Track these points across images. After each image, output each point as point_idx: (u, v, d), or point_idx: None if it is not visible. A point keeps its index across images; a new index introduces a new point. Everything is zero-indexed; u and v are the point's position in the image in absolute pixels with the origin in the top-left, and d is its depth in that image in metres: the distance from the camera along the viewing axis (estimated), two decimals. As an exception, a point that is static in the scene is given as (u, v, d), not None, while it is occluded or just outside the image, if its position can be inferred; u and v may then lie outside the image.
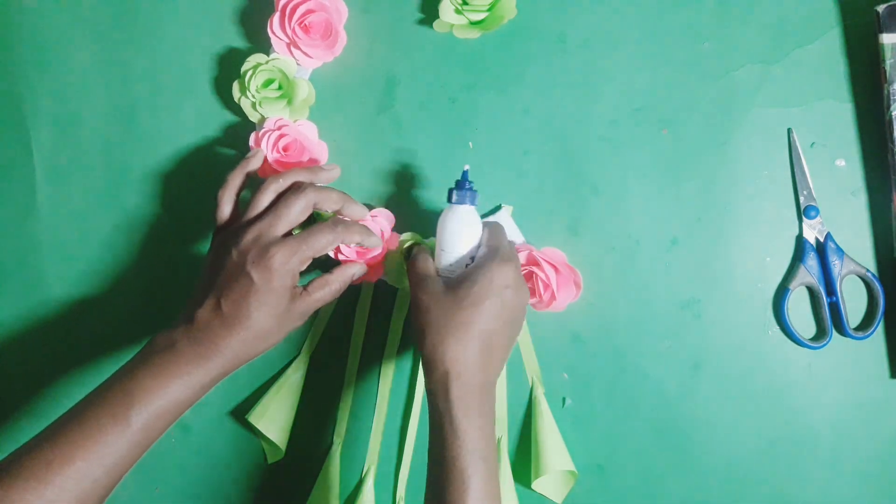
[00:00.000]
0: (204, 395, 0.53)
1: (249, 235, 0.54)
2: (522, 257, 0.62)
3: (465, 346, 0.52)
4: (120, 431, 0.49)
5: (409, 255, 0.62)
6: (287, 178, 0.57)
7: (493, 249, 0.56)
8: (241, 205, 0.59)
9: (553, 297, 0.61)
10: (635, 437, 0.65)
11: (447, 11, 0.62)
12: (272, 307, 0.53)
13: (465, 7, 0.62)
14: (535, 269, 0.61)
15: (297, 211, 0.55)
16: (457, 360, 0.52)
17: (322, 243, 0.55)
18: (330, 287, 0.57)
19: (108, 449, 0.49)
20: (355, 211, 0.59)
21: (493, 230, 0.58)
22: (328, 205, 0.57)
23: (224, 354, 0.53)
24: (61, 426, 0.50)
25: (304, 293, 0.56)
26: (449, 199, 0.58)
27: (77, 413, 0.50)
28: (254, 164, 0.60)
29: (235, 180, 0.59)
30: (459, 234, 0.57)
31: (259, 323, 0.53)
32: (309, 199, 0.56)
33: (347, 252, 0.61)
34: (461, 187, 0.58)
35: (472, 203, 0.58)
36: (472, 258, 0.57)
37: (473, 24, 0.63)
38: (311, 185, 0.57)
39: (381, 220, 0.62)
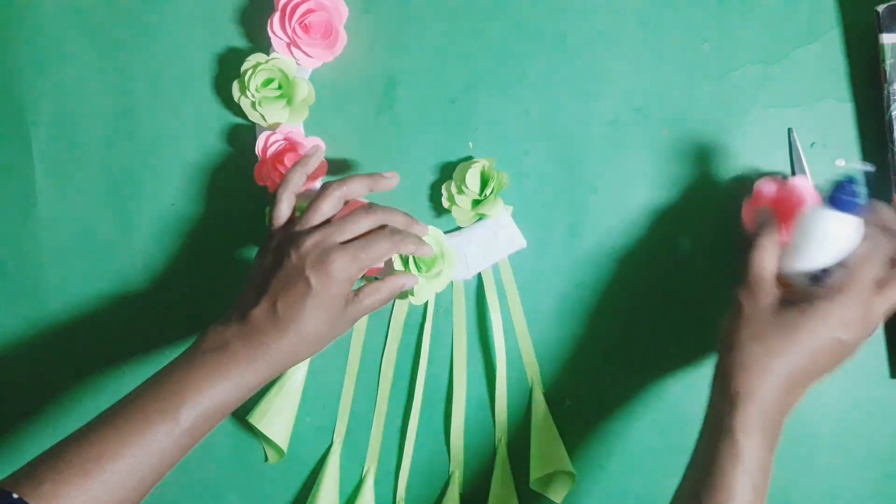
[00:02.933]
0: (250, 396, 0.53)
1: (310, 240, 0.53)
2: (773, 188, 0.57)
3: (771, 379, 0.49)
4: (168, 430, 0.49)
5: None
6: (350, 186, 0.57)
7: (852, 278, 0.49)
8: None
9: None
10: (635, 437, 0.64)
11: (445, 200, 0.64)
12: (327, 313, 0.53)
13: (459, 196, 0.63)
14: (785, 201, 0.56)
15: (364, 229, 0.55)
16: (755, 390, 0.49)
17: (380, 252, 0.55)
18: (380, 295, 0.56)
19: (154, 447, 0.48)
20: (420, 230, 0.59)
21: (870, 248, 0.50)
22: (406, 250, 0.57)
23: (274, 357, 0.52)
24: (107, 421, 0.49)
25: (356, 299, 0.55)
26: (833, 202, 0.49)
27: (126, 407, 0.50)
28: (313, 163, 0.60)
29: (295, 180, 0.58)
30: (831, 245, 0.50)
31: (312, 328, 0.53)
32: (377, 219, 0.56)
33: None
34: (850, 192, 0.49)
35: (859, 214, 0.50)
36: (825, 271, 0.50)
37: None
38: (381, 207, 0.57)
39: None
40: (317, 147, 0.61)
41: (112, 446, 0.47)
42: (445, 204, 0.63)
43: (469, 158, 0.65)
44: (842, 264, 0.49)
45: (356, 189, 0.57)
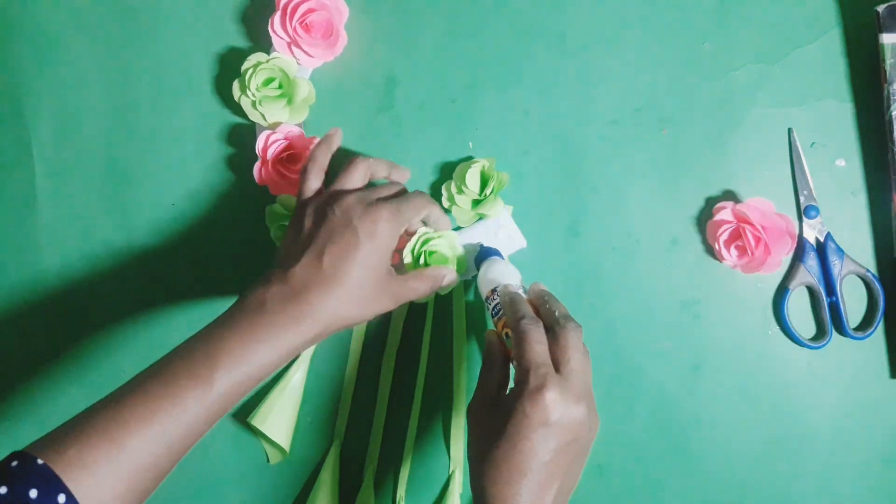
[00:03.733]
0: (290, 360, 0.50)
1: (353, 197, 0.54)
2: (726, 214, 0.61)
3: (500, 487, 0.47)
4: (200, 395, 0.47)
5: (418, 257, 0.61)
6: (376, 164, 0.58)
7: (522, 374, 0.48)
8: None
9: (767, 251, 0.60)
10: (635, 437, 0.64)
11: (445, 200, 0.64)
12: (371, 267, 0.52)
13: (459, 195, 0.63)
14: (743, 225, 0.60)
15: (413, 206, 0.56)
16: (493, 499, 0.47)
17: (419, 207, 0.56)
18: (424, 282, 0.57)
19: (186, 412, 0.46)
20: (447, 224, 0.60)
21: (518, 334, 0.50)
22: (435, 214, 0.58)
23: (317, 315, 0.50)
24: (137, 385, 0.47)
25: (402, 278, 0.55)
26: (480, 257, 0.61)
27: (157, 371, 0.48)
28: (336, 142, 0.60)
29: (322, 156, 0.58)
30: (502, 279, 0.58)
31: (358, 282, 0.51)
32: (426, 204, 0.57)
33: None
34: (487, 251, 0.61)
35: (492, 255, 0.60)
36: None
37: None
38: (428, 195, 0.59)
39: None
40: (337, 129, 0.61)
41: (140, 411, 0.45)
42: (445, 204, 0.63)
43: (469, 158, 0.65)
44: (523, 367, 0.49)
45: (380, 168, 0.59)
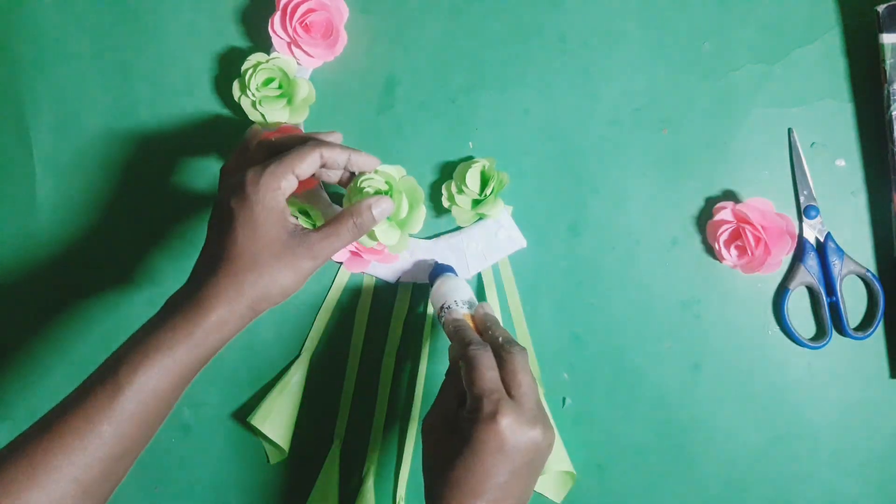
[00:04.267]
0: (210, 352, 0.48)
1: (236, 174, 0.51)
2: (726, 214, 0.61)
3: None
4: (108, 396, 0.45)
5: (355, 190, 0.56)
6: (333, 154, 0.53)
7: (473, 402, 0.48)
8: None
9: (767, 251, 0.60)
10: (635, 437, 0.64)
11: (445, 200, 0.64)
12: (259, 235, 0.49)
13: (459, 195, 0.63)
14: (743, 225, 0.60)
15: (289, 158, 0.51)
16: None
17: (300, 155, 0.50)
18: (344, 223, 0.51)
19: (96, 420, 0.45)
20: (365, 160, 0.55)
21: (467, 362, 0.50)
22: (333, 155, 0.53)
23: (218, 299, 0.48)
24: (53, 411, 0.46)
25: (316, 231, 0.51)
26: (434, 275, 0.62)
27: (70, 396, 0.47)
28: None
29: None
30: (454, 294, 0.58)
31: (249, 256, 0.48)
32: (309, 151, 0.51)
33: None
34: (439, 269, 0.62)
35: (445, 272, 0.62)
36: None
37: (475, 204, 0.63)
38: (323, 141, 0.53)
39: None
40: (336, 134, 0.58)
41: (57, 430, 0.45)
42: (445, 204, 0.63)
43: (469, 158, 0.65)
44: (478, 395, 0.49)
45: (336, 155, 0.53)
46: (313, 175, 0.53)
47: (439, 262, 0.64)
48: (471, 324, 0.56)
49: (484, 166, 0.62)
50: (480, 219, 0.64)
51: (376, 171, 0.55)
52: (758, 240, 0.60)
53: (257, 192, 0.49)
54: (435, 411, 0.52)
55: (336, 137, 0.57)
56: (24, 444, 0.45)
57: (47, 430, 0.45)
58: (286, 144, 0.54)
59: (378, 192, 0.55)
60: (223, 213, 0.50)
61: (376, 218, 0.53)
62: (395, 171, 0.57)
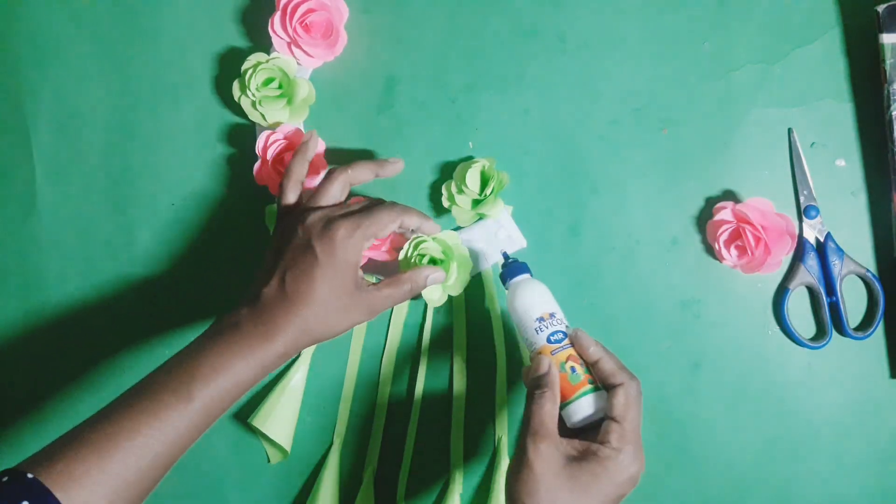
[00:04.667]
0: (266, 375, 0.53)
1: (316, 215, 0.55)
2: (726, 214, 0.61)
3: None
4: (182, 408, 0.49)
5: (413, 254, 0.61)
6: (357, 171, 0.58)
7: (625, 434, 0.50)
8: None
9: (767, 251, 0.60)
10: (635, 437, 0.64)
11: (445, 200, 0.64)
12: (335, 284, 0.53)
13: (459, 195, 0.63)
14: (743, 225, 0.60)
15: (377, 221, 0.55)
16: None
17: (384, 220, 0.55)
18: (401, 286, 0.57)
19: (168, 426, 0.48)
20: (432, 227, 0.59)
21: (633, 396, 0.51)
22: (410, 223, 0.57)
23: (286, 333, 0.52)
24: (122, 402, 0.49)
25: (374, 287, 0.55)
26: (504, 282, 0.58)
27: (139, 390, 0.50)
28: (311, 148, 0.60)
29: (297, 168, 0.59)
30: (524, 306, 0.56)
31: (321, 299, 0.53)
32: (394, 217, 0.56)
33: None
34: (507, 265, 0.58)
35: (523, 272, 0.58)
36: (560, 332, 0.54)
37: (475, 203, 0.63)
38: (400, 205, 0.57)
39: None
40: (311, 133, 0.61)
41: (126, 426, 0.48)
42: (445, 204, 0.63)
43: (469, 158, 0.65)
44: (611, 417, 0.50)
45: (361, 174, 0.58)
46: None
47: (508, 253, 0.61)
48: (571, 352, 0.54)
49: (484, 166, 0.62)
50: (480, 219, 0.64)
51: (434, 238, 0.60)
52: (758, 240, 0.60)
53: (346, 249, 0.53)
54: (542, 433, 0.50)
55: (400, 166, 0.61)
56: (88, 433, 0.48)
57: (113, 424, 0.48)
58: (372, 204, 0.57)
59: (433, 261, 0.60)
60: (305, 252, 0.53)
61: (429, 285, 0.58)
62: (450, 238, 0.61)
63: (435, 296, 0.62)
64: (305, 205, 0.57)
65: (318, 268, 0.53)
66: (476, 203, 0.63)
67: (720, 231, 0.61)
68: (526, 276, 0.58)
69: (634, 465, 0.50)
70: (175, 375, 0.50)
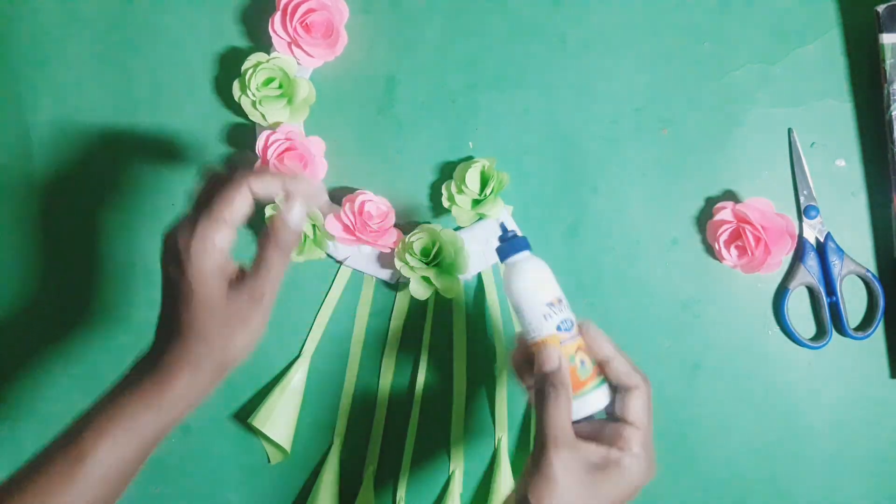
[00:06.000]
0: (172, 425, 0.46)
1: (170, 236, 0.46)
2: (726, 214, 0.61)
3: None
4: (73, 473, 0.43)
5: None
6: (264, 184, 0.46)
7: (647, 440, 0.48)
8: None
9: (767, 251, 0.60)
10: (635, 437, 0.64)
11: (445, 200, 0.63)
12: (200, 302, 0.45)
13: (459, 195, 0.63)
14: (743, 225, 0.60)
15: (218, 204, 0.45)
16: None
17: (227, 198, 0.45)
18: (273, 251, 0.46)
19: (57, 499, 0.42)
20: (304, 187, 0.47)
21: (645, 394, 0.49)
22: (264, 188, 0.46)
23: (185, 368, 0.45)
24: (11, 483, 0.43)
25: (250, 275, 0.46)
26: (502, 258, 0.50)
27: (28, 467, 0.44)
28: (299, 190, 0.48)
29: (235, 201, 0.46)
30: (533, 287, 0.49)
31: (195, 324, 0.45)
32: (237, 188, 0.45)
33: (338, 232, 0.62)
34: (507, 239, 0.50)
35: (527, 247, 0.50)
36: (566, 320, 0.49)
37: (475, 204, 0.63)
38: (247, 171, 0.46)
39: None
40: (316, 183, 0.54)
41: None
42: (445, 204, 0.63)
43: (469, 158, 0.65)
44: (629, 421, 0.48)
45: (269, 186, 0.46)
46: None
47: (506, 225, 0.52)
48: (580, 343, 0.50)
49: (484, 166, 0.62)
50: (480, 219, 0.64)
51: (422, 229, 0.60)
52: (758, 240, 0.60)
53: (190, 259, 0.44)
54: (561, 436, 0.46)
55: (314, 187, 0.48)
56: None
57: (6, 499, 0.43)
58: (213, 189, 0.47)
59: (426, 248, 0.60)
60: (165, 281, 0.47)
61: (295, 227, 0.47)
62: (434, 228, 0.62)
63: (447, 283, 0.62)
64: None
65: (176, 291, 0.45)
66: (476, 203, 0.63)
67: (720, 231, 0.61)
68: (527, 253, 0.50)
69: (652, 471, 0.47)
70: (65, 431, 0.44)
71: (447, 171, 0.65)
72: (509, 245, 0.50)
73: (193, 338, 0.45)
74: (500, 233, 0.51)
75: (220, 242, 0.45)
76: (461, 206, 0.63)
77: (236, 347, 0.46)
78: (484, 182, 0.62)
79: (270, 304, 0.47)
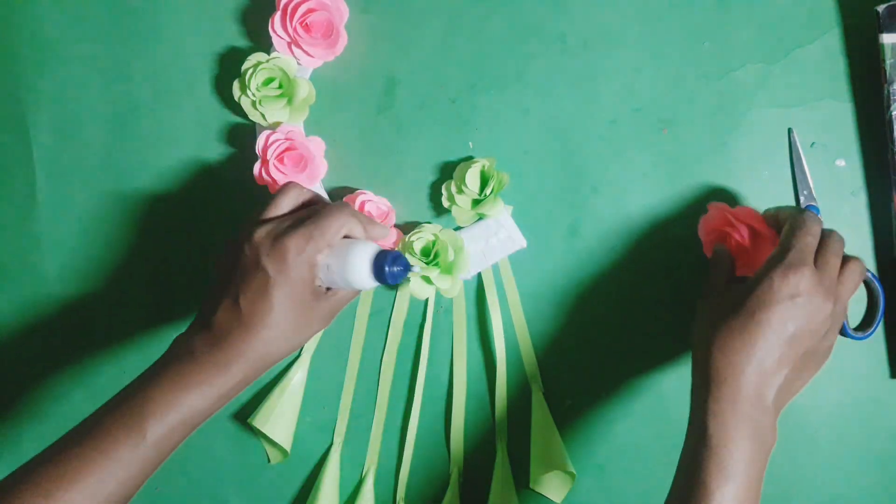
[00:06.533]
0: (224, 404, 0.51)
1: (263, 230, 0.52)
2: (714, 216, 0.61)
3: (729, 356, 0.48)
4: (133, 445, 0.47)
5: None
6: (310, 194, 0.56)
7: (781, 251, 0.50)
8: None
9: (749, 259, 0.59)
10: (635, 437, 0.64)
11: (445, 200, 0.64)
12: (293, 302, 0.51)
13: (459, 195, 0.63)
14: (728, 229, 0.59)
15: (326, 230, 0.52)
16: (718, 369, 0.48)
17: (334, 226, 0.52)
18: (346, 296, 0.55)
19: (121, 464, 0.46)
20: (379, 233, 0.56)
21: (796, 222, 0.52)
22: (356, 230, 0.54)
23: (247, 358, 0.50)
24: (72, 440, 0.47)
25: (329, 295, 0.53)
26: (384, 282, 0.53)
27: (90, 425, 0.48)
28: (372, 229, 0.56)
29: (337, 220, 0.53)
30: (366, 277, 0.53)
31: (280, 320, 0.50)
32: (342, 222, 0.52)
33: None
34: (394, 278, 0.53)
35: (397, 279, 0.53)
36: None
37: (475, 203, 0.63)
38: (348, 209, 0.54)
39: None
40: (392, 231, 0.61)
41: (77, 465, 0.46)
42: (445, 204, 0.63)
43: (469, 158, 0.65)
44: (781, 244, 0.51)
45: (357, 225, 0.54)
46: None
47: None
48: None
49: (484, 166, 0.62)
50: (480, 218, 0.64)
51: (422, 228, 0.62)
52: (742, 248, 0.59)
53: (299, 266, 0.51)
54: (707, 291, 0.55)
55: (385, 233, 0.58)
56: (36, 476, 0.46)
57: (63, 464, 0.46)
58: (311, 212, 0.54)
59: (426, 248, 0.62)
60: (256, 272, 0.50)
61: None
62: (434, 228, 0.63)
63: (447, 284, 0.63)
64: (251, 219, 0.54)
65: (273, 287, 0.50)
66: (476, 203, 0.63)
67: (709, 232, 0.61)
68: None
69: (787, 279, 0.48)
70: (127, 411, 0.48)
71: (447, 171, 0.65)
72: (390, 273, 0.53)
73: (273, 331, 0.50)
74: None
75: (321, 261, 0.52)
76: (461, 205, 0.63)
77: (295, 346, 0.52)
78: (484, 182, 0.62)
79: (328, 324, 0.55)
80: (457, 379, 0.65)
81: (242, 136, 0.66)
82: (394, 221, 0.64)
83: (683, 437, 0.64)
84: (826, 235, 0.53)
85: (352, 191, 0.64)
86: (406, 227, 0.65)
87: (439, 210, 0.65)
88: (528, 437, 0.64)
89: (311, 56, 0.63)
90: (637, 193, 0.64)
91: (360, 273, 0.52)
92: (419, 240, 0.62)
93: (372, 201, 0.63)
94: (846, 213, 0.63)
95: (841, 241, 0.53)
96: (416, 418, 0.65)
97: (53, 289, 0.68)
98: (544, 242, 0.65)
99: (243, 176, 0.66)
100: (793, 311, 0.48)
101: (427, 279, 0.63)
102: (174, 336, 0.66)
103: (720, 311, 0.50)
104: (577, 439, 0.65)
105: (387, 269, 0.52)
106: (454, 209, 0.63)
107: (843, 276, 0.52)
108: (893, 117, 0.61)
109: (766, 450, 0.48)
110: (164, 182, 0.67)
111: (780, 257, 0.50)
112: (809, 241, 0.51)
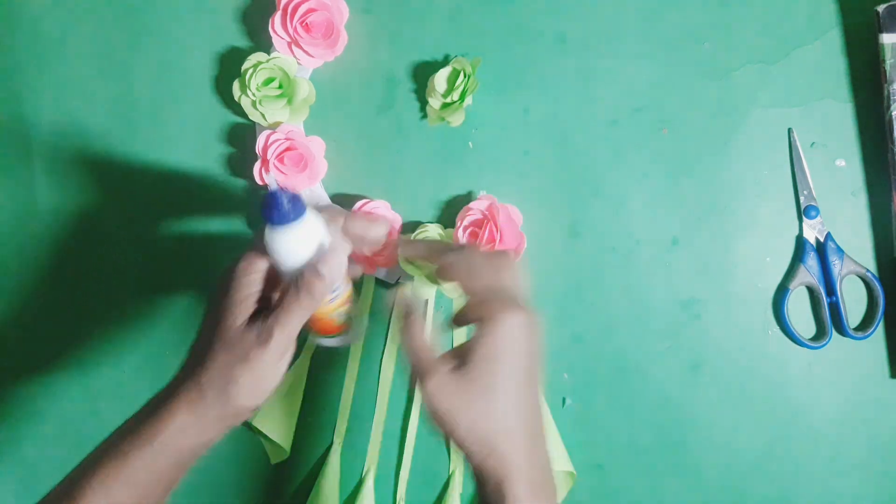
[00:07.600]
0: (166, 489, 0.45)
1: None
2: (483, 205, 0.61)
3: (507, 441, 0.42)
4: (150, 466, 0.43)
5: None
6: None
7: (484, 301, 0.44)
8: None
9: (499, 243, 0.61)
10: (635, 437, 0.64)
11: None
12: (218, 330, 0.44)
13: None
14: (488, 222, 0.61)
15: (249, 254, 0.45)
16: (505, 460, 0.42)
17: (252, 255, 0.45)
18: (290, 296, 0.44)
19: (137, 481, 0.43)
20: (360, 226, 0.48)
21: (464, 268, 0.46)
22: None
23: (178, 409, 0.44)
24: (89, 468, 0.43)
25: (268, 316, 0.44)
26: (270, 221, 0.44)
27: (105, 456, 0.44)
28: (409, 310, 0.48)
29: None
30: (295, 252, 0.45)
31: (204, 357, 0.44)
32: (254, 258, 0.45)
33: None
34: (276, 208, 0.43)
35: (297, 217, 0.44)
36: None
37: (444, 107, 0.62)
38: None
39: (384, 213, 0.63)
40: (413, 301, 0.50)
41: (96, 488, 0.42)
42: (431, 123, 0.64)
43: (468, 158, 0.65)
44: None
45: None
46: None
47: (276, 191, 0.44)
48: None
49: (461, 68, 0.59)
50: (443, 122, 0.62)
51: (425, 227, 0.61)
52: (492, 237, 0.60)
53: (232, 280, 0.44)
54: (437, 372, 0.45)
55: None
56: None
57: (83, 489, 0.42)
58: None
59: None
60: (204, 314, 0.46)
61: (327, 278, 0.45)
62: (437, 227, 0.62)
63: (422, 290, 0.63)
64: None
65: (204, 321, 0.45)
66: (445, 107, 0.61)
67: (468, 215, 0.62)
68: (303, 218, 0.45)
69: (520, 317, 0.42)
70: (63, 480, 0.43)
71: (447, 171, 0.65)
72: (284, 214, 0.43)
73: (199, 368, 0.43)
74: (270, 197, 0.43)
75: (262, 268, 0.44)
76: (433, 107, 0.63)
77: (238, 386, 0.43)
78: (451, 85, 0.58)
79: (280, 350, 0.44)
80: (457, 379, 0.65)
81: (242, 136, 0.66)
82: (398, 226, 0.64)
83: (683, 436, 0.64)
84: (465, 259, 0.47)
85: (354, 198, 0.64)
86: (407, 227, 0.65)
87: (440, 210, 0.65)
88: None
89: (312, 56, 0.63)
90: (637, 193, 0.64)
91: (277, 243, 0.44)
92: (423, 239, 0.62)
93: (378, 208, 0.63)
94: (846, 213, 0.63)
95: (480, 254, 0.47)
96: (416, 418, 0.65)
97: (52, 289, 0.68)
98: (544, 242, 0.65)
99: (243, 176, 0.66)
100: (527, 344, 0.43)
101: (431, 278, 0.63)
102: (173, 337, 0.67)
103: (459, 394, 0.43)
104: (577, 439, 0.65)
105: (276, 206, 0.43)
106: (427, 108, 0.63)
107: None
108: (893, 117, 0.61)
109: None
110: (164, 182, 0.67)
111: (496, 312, 0.43)
112: (482, 275, 0.46)
